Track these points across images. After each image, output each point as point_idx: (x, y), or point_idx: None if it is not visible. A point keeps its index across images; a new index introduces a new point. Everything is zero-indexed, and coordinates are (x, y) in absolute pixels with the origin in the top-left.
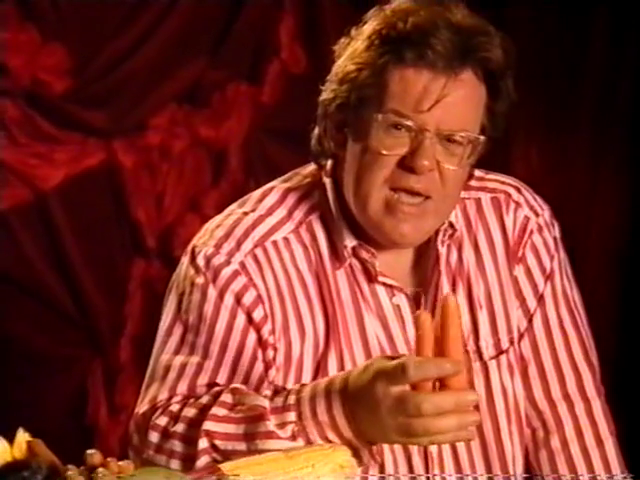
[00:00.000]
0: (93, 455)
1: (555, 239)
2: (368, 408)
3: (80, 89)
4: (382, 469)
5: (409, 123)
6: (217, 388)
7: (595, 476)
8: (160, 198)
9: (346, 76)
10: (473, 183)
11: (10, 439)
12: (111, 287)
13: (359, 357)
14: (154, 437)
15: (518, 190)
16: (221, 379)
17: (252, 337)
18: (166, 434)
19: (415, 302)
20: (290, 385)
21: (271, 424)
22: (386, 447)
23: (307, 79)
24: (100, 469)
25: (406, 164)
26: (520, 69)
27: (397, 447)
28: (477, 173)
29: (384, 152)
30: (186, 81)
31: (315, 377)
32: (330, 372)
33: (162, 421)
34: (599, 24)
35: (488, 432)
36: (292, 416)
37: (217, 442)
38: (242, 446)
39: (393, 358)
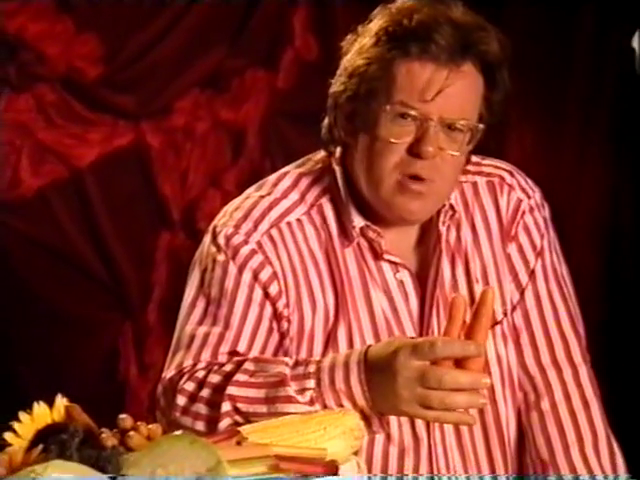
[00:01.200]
0: (125, 419)
1: (545, 219)
2: (385, 378)
3: (111, 75)
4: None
5: (414, 113)
6: (239, 357)
7: (594, 476)
8: (184, 175)
9: (355, 70)
10: (470, 168)
11: (50, 402)
12: (140, 256)
13: (366, 328)
14: (181, 401)
15: (511, 174)
16: (241, 347)
17: (268, 310)
18: (192, 398)
19: (417, 278)
20: (303, 355)
21: (291, 390)
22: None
23: (318, 66)
24: (131, 432)
25: (413, 151)
26: (514, 61)
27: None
28: (474, 158)
29: (393, 140)
30: (208, 68)
31: (326, 347)
32: (340, 343)
33: (189, 386)
34: (587, 17)
35: (484, 396)
36: (311, 383)
37: (239, 405)
38: (263, 409)
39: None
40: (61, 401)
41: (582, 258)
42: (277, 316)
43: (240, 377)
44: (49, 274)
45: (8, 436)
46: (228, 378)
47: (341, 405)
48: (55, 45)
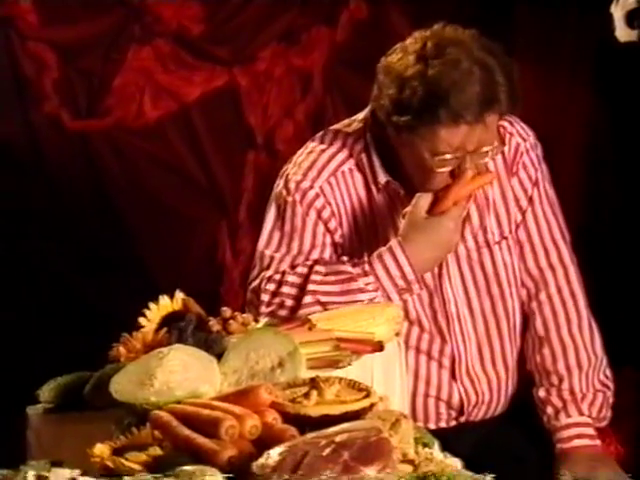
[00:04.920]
0: (225, 310)
1: (538, 156)
2: (422, 237)
3: (210, 32)
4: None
5: (454, 156)
6: (309, 262)
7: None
8: (265, 108)
9: (400, 109)
10: None
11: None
12: (232, 170)
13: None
14: (265, 297)
15: (511, 123)
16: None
17: (328, 239)
18: (274, 294)
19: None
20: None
21: (359, 284)
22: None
23: (367, 24)
24: (230, 320)
25: (454, 172)
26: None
27: (424, 304)
28: None
29: (438, 171)
30: (283, 26)
31: None
32: None
33: (271, 287)
34: None
35: (495, 293)
36: (371, 278)
37: (320, 297)
38: (340, 299)
39: None
40: (179, 294)
41: (568, 177)
42: (335, 244)
43: (315, 277)
44: (166, 183)
45: (141, 320)
46: (305, 277)
47: (396, 284)
48: (168, 9)
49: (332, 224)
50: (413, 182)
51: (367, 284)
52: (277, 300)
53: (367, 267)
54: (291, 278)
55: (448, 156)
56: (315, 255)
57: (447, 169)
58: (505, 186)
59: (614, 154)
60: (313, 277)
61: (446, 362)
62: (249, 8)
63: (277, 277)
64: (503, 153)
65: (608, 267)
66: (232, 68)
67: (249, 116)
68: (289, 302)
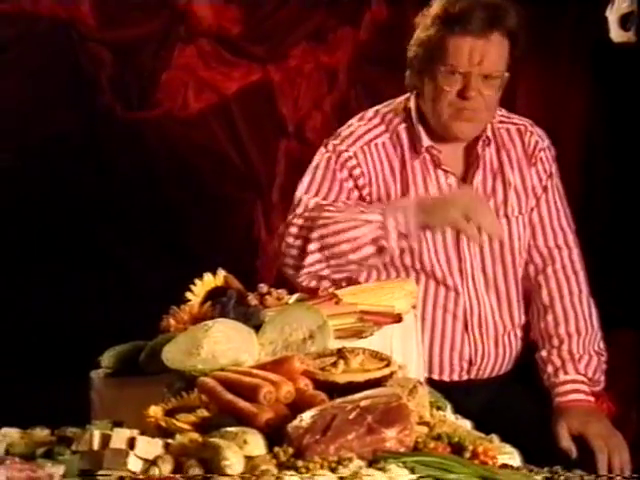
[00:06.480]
0: (262, 287)
1: (553, 156)
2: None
3: (247, 32)
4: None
5: (461, 71)
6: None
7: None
8: (296, 100)
9: (422, 43)
10: (504, 119)
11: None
12: (267, 156)
13: None
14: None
15: (531, 125)
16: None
17: (355, 194)
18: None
19: (459, 180)
20: None
21: (368, 216)
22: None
23: (388, 25)
24: (267, 295)
25: (460, 95)
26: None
27: (441, 259)
28: (505, 113)
29: (446, 88)
30: (312, 26)
31: None
32: None
33: (293, 230)
34: None
35: (508, 260)
36: (378, 216)
37: (328, 239)
38: (345, 225)
39: None
40: (221, 272)
41: (564, 167)
42: (363, 198)
43: (329, 208)
44: (207, 168)
45: (188, 294)
46: (315, 220)
47: (397, 221)
48: (210, 11)
49: (361, 181)
50: (433, 123)
51: (374, 220)
52: (297, 243)
53: (380, 208)
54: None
55: (457, 74)
56: (342, 206)
57: (455, 87)
58: (525, 173)
59: (610, 148)
60: (328, 208)
61: (460, 314)
62: (282, 11)
63: (299, 221)
64: (524, 145)
65: (605, 239)
66: (266, 65)
67: (282, 107)
68: (294, 252)
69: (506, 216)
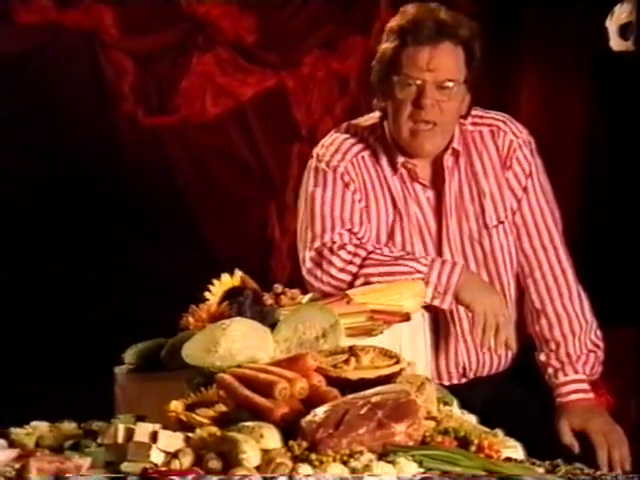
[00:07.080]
0: (277, 287)
1: (531, 150)
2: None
3: (262, 40)
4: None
5: (414, 80)
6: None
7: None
8: (309, 106)
9: (378, 59)
10: (477, 120)
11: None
12: (281, 159)
13: (407, 223)
14: (338, 263)
15: (504, 122)
16: (346, 226)
17: (357, 206)
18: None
19: (436, 193)
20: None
21: (408, 267)
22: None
23: None
24: (281, 295)
25: (416, 103)
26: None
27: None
28: (479, 112)
29: (400, 97)
30: (324, 35)
31: (387, 236)
32: (396, 235)
33: (344, 255)
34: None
35: (492, 269)
36: (423, 267)
37: (372, 279)
38: (386, 269)
39: None
40: (238, 273)
41: (566, 167)
42: (360, 210)
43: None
44: (224, 170)
45: (207, 293)
46: (361, 257)
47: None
48: (227, 21)
49: (356, 197)
50: (397, 140)
51: (416, 271)
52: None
53: (425, 259)
54: (344, 255)
55: (411, 84)
56: (346, 216)
57: (410, 98)
58: (500, 178)
59: (610, 149)
60: (376, 251)
61: (449, 322)
62: (295, 20)
63: (334, 247)
64: (497, 149)
65: (605, 238)
66: (280, 71)
67: (295, 112)
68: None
69: (485, 226)
